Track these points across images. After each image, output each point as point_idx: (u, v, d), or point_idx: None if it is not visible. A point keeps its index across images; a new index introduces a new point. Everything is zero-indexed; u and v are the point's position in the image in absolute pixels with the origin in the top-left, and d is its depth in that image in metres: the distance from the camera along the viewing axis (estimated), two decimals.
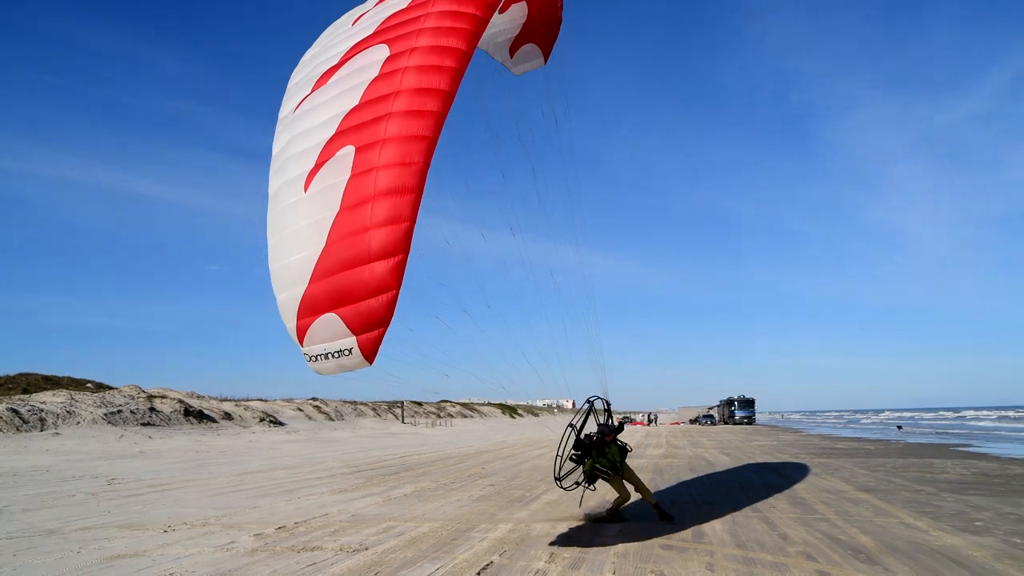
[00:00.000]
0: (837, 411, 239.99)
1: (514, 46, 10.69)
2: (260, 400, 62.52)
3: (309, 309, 7.11)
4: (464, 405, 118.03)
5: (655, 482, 17.04)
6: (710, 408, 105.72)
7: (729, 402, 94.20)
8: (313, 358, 7.14)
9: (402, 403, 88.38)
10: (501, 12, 9.82)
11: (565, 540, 9.74)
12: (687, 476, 18.79)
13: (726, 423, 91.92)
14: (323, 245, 7.10)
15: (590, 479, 11.10)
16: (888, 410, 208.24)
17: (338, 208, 7.12)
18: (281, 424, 54.37)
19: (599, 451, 11.01)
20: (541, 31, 10.68)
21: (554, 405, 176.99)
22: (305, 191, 7.56)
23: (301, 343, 7.27)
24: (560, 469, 10.95)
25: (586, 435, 11.11)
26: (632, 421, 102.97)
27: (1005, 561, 8.19)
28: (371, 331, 6.72)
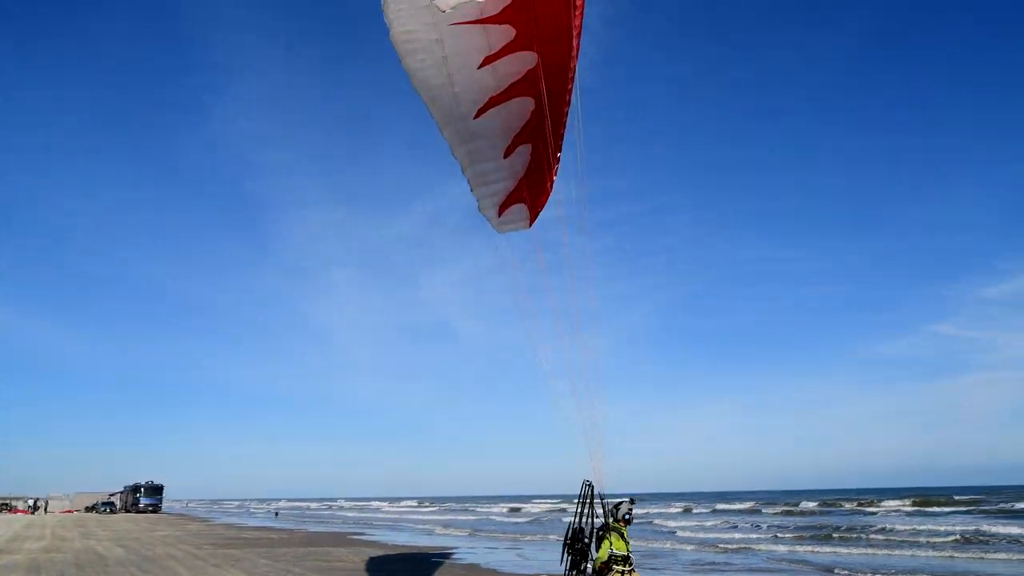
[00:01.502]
0: (239, 500, 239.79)
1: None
2: None
3: (511, 199, 10.16)
4: None
5: None
6: (112, 495, 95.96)
7: (135, 488, 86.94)
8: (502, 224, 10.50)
9: None
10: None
11: None
12: (72, 573, 16.82)
13: (128, 511, 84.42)
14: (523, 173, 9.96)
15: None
16: (285, 499, 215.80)
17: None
18: None
19: (618, 533, 9.05)
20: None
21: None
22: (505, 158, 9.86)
23: (499, 215, 10.43)
24: (566, 565, 9.40)
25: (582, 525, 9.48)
26: (13, 509, 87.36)
27: None
28: (533, 215, 10.42)
